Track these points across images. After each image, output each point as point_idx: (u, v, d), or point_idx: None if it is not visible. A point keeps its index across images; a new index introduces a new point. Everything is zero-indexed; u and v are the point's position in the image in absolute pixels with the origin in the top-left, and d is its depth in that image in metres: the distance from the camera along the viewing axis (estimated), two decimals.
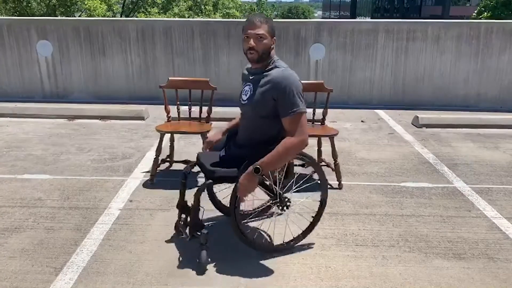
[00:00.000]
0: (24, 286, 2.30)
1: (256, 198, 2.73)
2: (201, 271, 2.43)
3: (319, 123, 3.80)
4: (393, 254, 2.64)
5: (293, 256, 2.60)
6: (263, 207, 2.89)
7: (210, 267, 2.47)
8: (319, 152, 3.87)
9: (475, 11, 27.72)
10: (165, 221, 2.99)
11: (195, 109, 3.81)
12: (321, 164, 3.88)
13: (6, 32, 6.52)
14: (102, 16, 21.25)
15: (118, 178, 3.75)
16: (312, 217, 2.74)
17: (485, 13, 24.77)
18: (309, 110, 3.79)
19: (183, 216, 2.71)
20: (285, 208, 2.58)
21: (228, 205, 2.53)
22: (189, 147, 4.58)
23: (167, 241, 2.74)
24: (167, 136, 3.88)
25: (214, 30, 6.50)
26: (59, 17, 18.43)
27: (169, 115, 3.81)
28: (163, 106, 3.80)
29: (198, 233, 2.49)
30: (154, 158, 3.62)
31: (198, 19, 20.75)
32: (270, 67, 2.45)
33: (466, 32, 6.38)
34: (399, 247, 2.72)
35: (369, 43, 6.48)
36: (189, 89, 3.77)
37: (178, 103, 3.80)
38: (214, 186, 2.70)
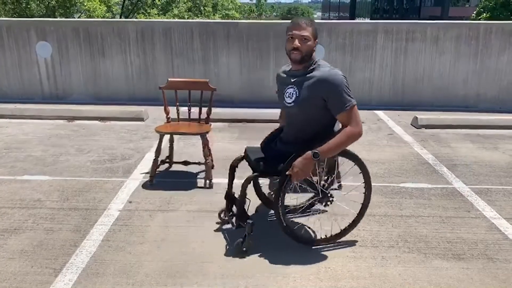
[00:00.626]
0: (23, 287, 2.30)
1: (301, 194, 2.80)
2: (236, 253, 2.59)
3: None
4: (393, 255, 2.64)
5: (293, 257, 2.60)
6: (307, 203, 2.91)
7: (211, 268, 2.47)
8: None
9: (474, 12, 27.74)
10: (164, 222, 2.99)
11: (195, 110, 3.82)
12: None
13: (6, 33, 6.52)
14: (101, 17, 21.26)
15: (118, 179, 3.75)
16: (355, 213, 2.81)
17: (484, 14, 24.78)
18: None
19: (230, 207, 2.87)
20: (328, 203, 2.66)
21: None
22: (188, 148, 4.58)
23: (167, 242, 2.74)
24: (167, 137, 3.88)
25: (214, 31, 6.51)
26: (58, 18, 18.44)
27: (168, 116, 3.81)
28: (163, 107, 3.80)
29: (244, 223, 2.62)
30: (154, 159, 3.62)
31: (198, 20, 20.75)
32: (313, 67, 2.55)
33: (465, 33, 6.39)
34: (398, 248, 2.72)
35: (368, 44, 6.48)
36: (188, 90, 3.77)
37: (177, 104, 3.80)
38: (259, 179, 2.92)
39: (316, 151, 2.41)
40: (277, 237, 2.81)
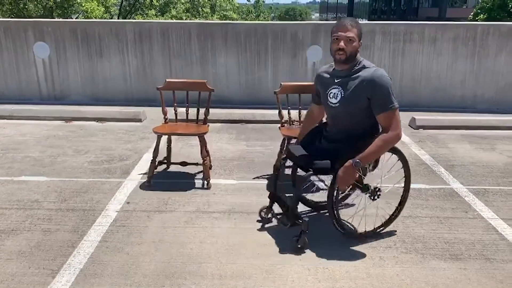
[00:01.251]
0: None
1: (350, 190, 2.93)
2: (299, 251, 2.65)
3: (317, 125, 3.79)
4: (390, 255, 2.64)
5: (291, 257, 2.60)
6: (355, 197, 3.03)
7: (208, 269, 2.47)
8: None
9: (472, 13, 27.82)
10: (162, 223, 2.99)
11: (193, 111, 3.81)
12: None
13: (3, 33, 6.50)
14: (99, 18, 21.23)
15: (115, 180, 3.74)
16: (396, 206, 2.96)
17: (481, 15, 24.86)
18: (305, 112, 3.81)
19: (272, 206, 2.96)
20: (376, 197, 2.76)
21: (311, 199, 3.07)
22: (186, 149, 4.58)
23: (164, 243, 2.74)
24: (164, 138, 3.88)
25: (212, 31, 6.51)
26: (56, 19, 18.40)
27: (166, 117, 3.81)
28: (161, 108, 3.80)
29: (299, 220, 2.69)
30: (151, 160, 3.62)
31: (195, 20, 20.76)
32: (358, 67, 2.59)
33: (462, 34, 6.40)
34: (396, 248, 2.72)
35: (366, 44, 6.49)
36: (186, 90, 3.77)
37: (175, 104, 3.80)
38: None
39: (358, 160, 2.48)
40: (275, 238, 2.81)
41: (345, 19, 2.60)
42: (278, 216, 2.89)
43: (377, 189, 2.75)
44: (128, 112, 5.88)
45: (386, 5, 55.78)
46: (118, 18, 25.07)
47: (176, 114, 3.82)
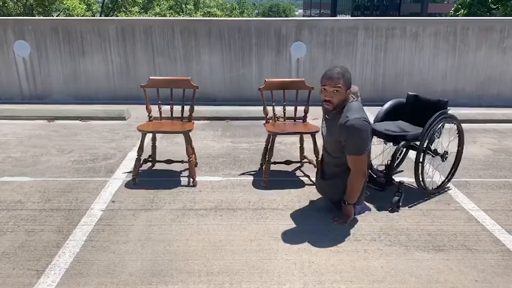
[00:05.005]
0: None
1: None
2: (393, 210, 3.15)
3: (301, 121, 3.83)
4: (375, 248, 2.68)
5: (277, 252, 2.62)
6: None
7: (195, 266, 2.48)
8: (301, 149, 3.91)
9: (453, 8, 28.18)
10: (148, 221, 2.99)
11: (177, 108, 3.80)
12: (303, 161, 3.93)
13: None
14: (81, 16, 20.94)
15: (100, 179, 3.72)
16: (452, 167, 3.61)
17: (462, 10, 25.20)
18: (291, 108, 3.83)
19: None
20: (445, 159, 3.43)
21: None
22: (171, 147, 4.57)
23: (151, 241, 2.74)
24: (149, 136, 3.86)
25: (195, 28, 6.48)
26: (36, 17, 18.10)
27: (150, 115, 3.79)
28: (145, 106, 3.78)
29: (395, 181, 3.31)
30: (136, 158, 3.60)
31: (178, 17, 20.58)
32: (341, 113, 2.80)
33: (443, 29, 6.50)
34: (380, 241, 2.77)
35: (349, 40, 6.54)
36: (170, 88, 3.76)
37: (159, 102, 3.78)
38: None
39: (345, 200, 2.93)
40: (261, 234, 2.83)
41: (333, 69, 2.78)
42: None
43: (445, 152, 3.39)
44: (112, 110, 5.83)
45: (369, 1, 56.16)
46: (100, 16, 24.77)
47: (160, 112, 3.80)
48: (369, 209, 3.18)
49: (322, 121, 3.06)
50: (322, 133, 3.10)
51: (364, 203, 3.20)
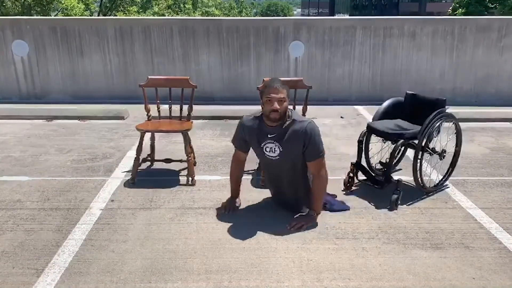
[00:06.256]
0: None
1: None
2: (392, 208, 3.17)
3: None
4: (373, 246, 2.70)
5: (276, 250, 2.63)
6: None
7: (194, 264, 2.49)
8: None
9: (451, 7, 28.24)
10: (147, 220, 3.00)
11: (176, 108, 3.81)
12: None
13: None
14: (79, 16, 20.93)
15: (99, 178, 3.73)
16: (450, 165, 3.65)
17: (460, 9, 25.27)
18: (289, 107, 3.83)
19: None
20: (443, 157, 3.46)
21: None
22: (170, 146, 4.57)
23: (150, 240, 2.75)
24: (148, 135, 3.87)
25: (193, 28, 6.49)
26: (35, 17, 18.08)
27: (149, 114, 3.80)
28: (143, 105, 3.79)
29: (393, 179, 3.35)
30: (135, 158, 3.61)
31: (177, 17, 20.59)
32: (289, 121, 2.83)
33: (441, 28, 6.52)
34: (378, 239, 2.78)
35: (347, 40, 6.56)
36: (169, 87, 3.77)
37: (158, 101, 3.79)
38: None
39: (313, 212, 2.95)
40: (260, 232, 2.84)
41: (274, 82, 2.82)
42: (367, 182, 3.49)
43: (443, 150, 3.43)
44: (111, 110, 5.83)
45: (367, 0, 56.18)
46: (99, 15, 24.74)
47: (159, 111, 3.81)
48: (348, 208, 3.18)
49: (259, 142, 2.90)
50: (267, 157, 2.91)
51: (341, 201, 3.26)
